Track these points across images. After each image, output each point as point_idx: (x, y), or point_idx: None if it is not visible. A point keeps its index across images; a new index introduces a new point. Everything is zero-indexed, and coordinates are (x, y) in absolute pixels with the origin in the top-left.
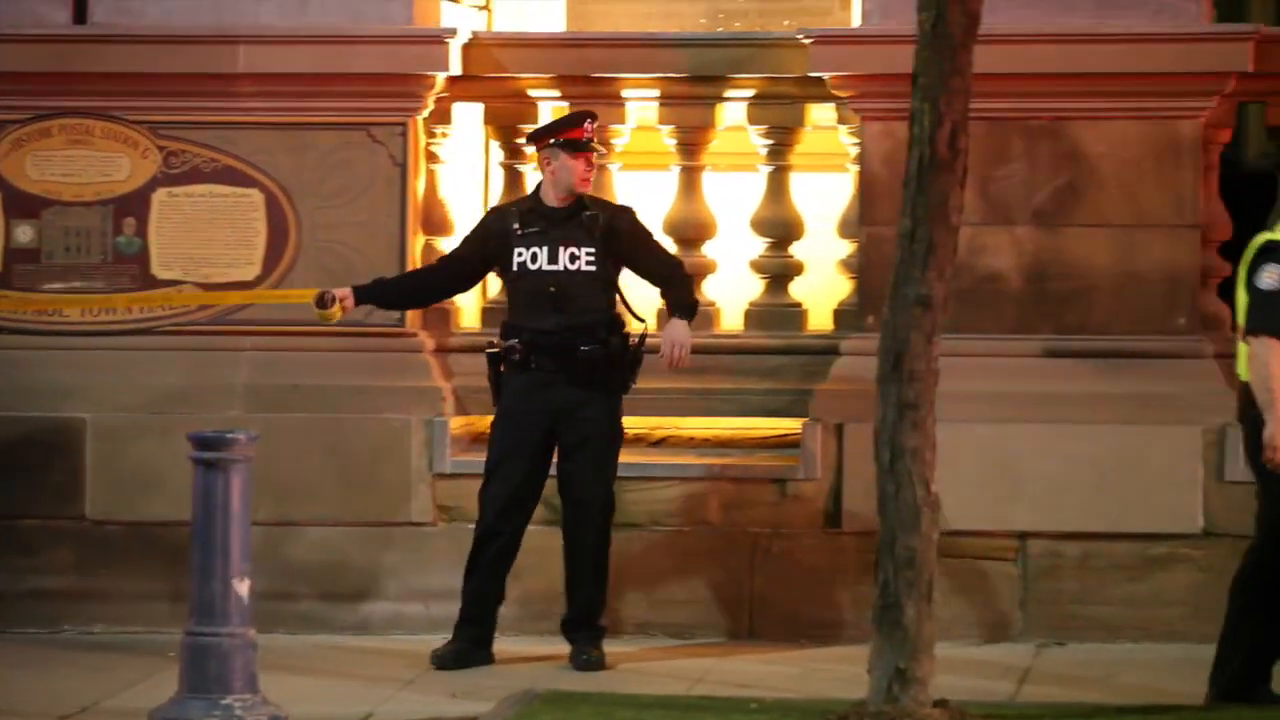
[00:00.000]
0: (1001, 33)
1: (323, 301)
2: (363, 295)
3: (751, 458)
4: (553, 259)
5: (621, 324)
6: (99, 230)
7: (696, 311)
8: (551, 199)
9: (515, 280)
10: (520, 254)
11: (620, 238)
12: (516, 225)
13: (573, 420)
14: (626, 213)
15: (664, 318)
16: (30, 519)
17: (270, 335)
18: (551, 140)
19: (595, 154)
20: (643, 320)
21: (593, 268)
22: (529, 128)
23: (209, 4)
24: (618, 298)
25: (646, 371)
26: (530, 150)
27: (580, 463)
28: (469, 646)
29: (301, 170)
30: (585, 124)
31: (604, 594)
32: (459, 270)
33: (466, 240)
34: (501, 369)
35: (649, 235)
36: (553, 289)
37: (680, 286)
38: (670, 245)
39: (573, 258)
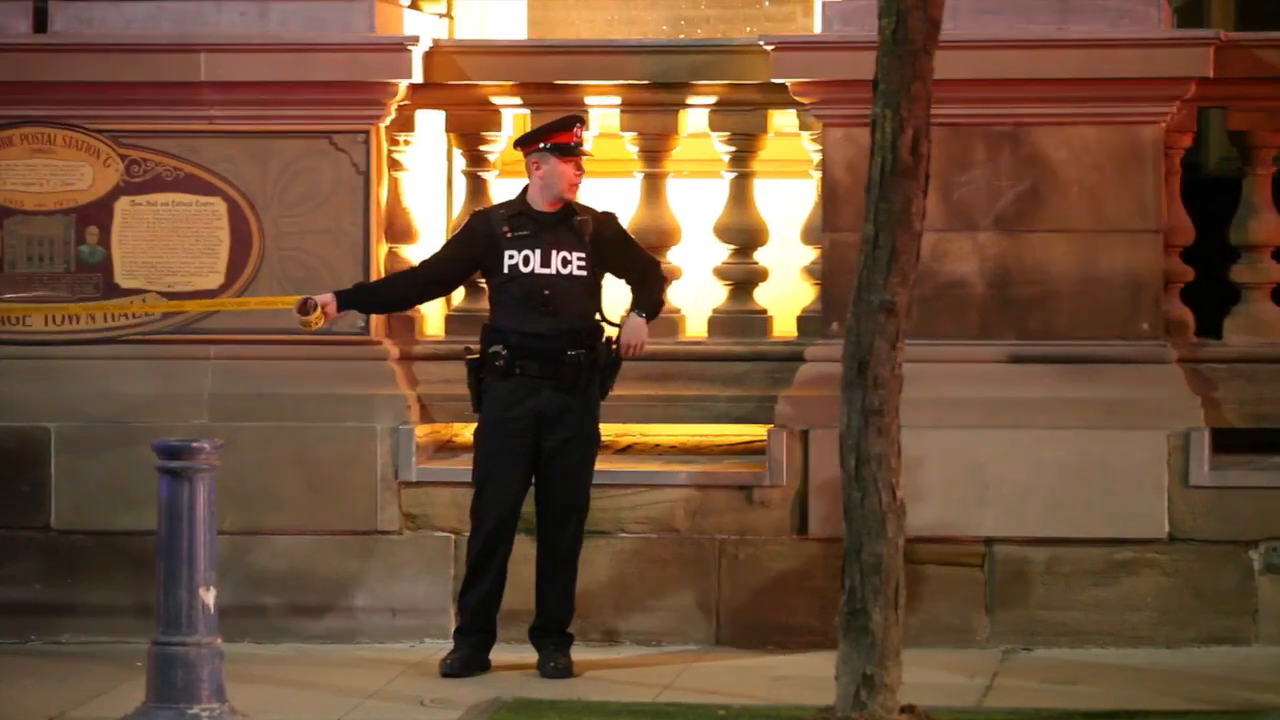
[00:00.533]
0: (963, 39)
1: (304, 308)
2: (345, 300)
3: (718, 465)
4: (545, 262)
5: (602, 330)
6: (62, 239)
7: (660, 311)
8: (540, 203)
9: (505, 283)
10: (511, 256)
11: (607, 243)
12: (505, 228)
13: (556, 426)
14: (611, 218)
15: (624, 314)
16: None
17: (234, 344)
18: (541, 145)
19: (584, 158)
20: (617, 325)
21: (584, 272)
22: (491, 135)
23: (170, 12)
24: (599, 302)
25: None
26: (492, 157)
27: (561, 469)
28: (474, 653)
29: (264, 178)
30: (575, 128)
31: (572, 601)
32: (442, 273)
33: (450, 243)
34: (481, 376)
35: (631, 238)
36: (546, 291)
37: (653, 285)
38: None
39: (564, 261)
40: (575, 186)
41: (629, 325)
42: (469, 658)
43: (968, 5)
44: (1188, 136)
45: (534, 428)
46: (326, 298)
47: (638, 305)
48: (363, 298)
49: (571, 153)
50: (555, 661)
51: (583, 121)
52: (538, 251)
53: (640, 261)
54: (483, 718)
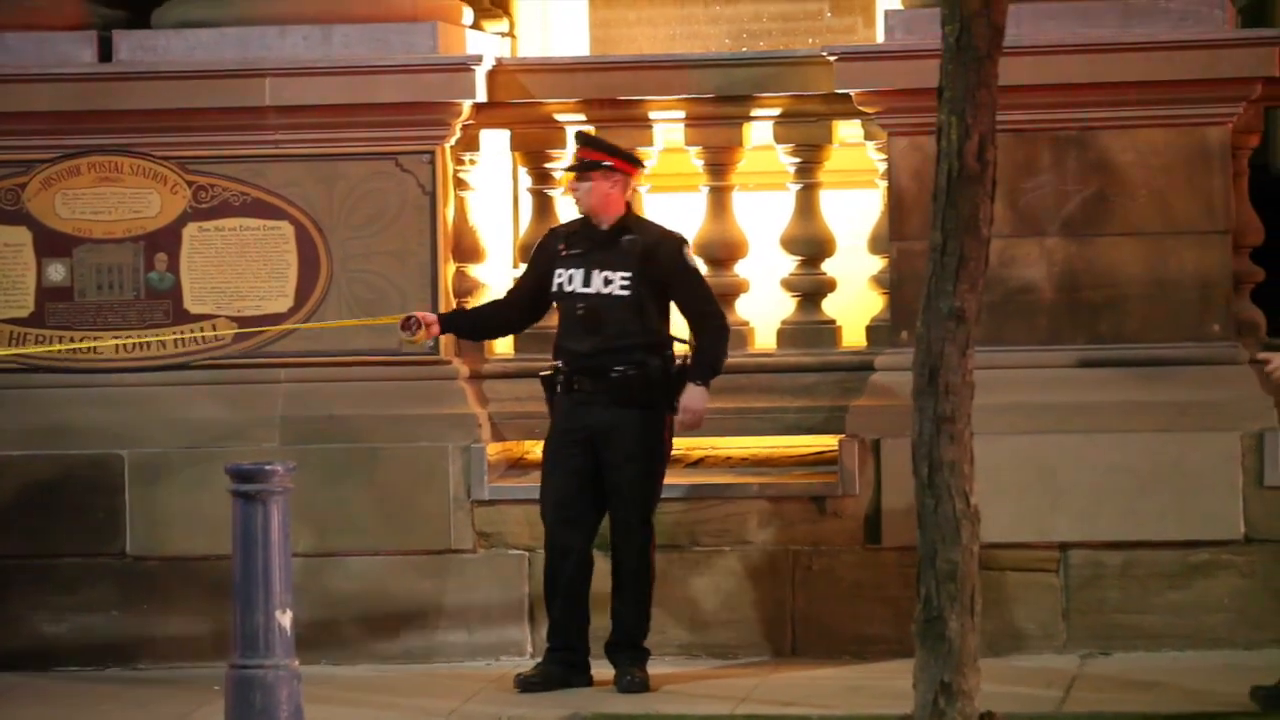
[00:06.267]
0: (1026, 44)
1: (408, 325)
2: (445, 323)
3: (789, 476)
4: (586, 282)
5: (663, 345)
6: (131, 266)
7: (718, 370)
8: (598, 221)
9: (557, 302)
10: (560, 275)
11: (658, 265)
12: (562, 246)
13: (611, 439)
14: (670, 242)
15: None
16: (71, 557)
17: (305, 366)
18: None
19: (574, 174)
20: (686, 342)
21: (626, 292)
22: (556, 153)
23: (233, 38)
24: (655, 319)
25: None
26: (558, 174)
27: (617, 481)
28: (560, 670)
29: (331, 201)
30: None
31: (645, 615)
32: (523, 298)
33: (527, 266)
34: (550, 393)
35: (688, 272)
36: (580, 311)
37: (704, 342)
38: (701, 266)
39: (606, 281)
40: (578, 201)
41: (685, 396)
42: (546, 673)
43: (1030, 11)
44: (1255, 136)
45: (589, 444)
46: (430, 317)
47: (692, 371)
48: (461, 324)
49: (571, 169)
50: (631, 676)
51: (577, 137)
52: (582, 271)
53: (695, 304)
54: None
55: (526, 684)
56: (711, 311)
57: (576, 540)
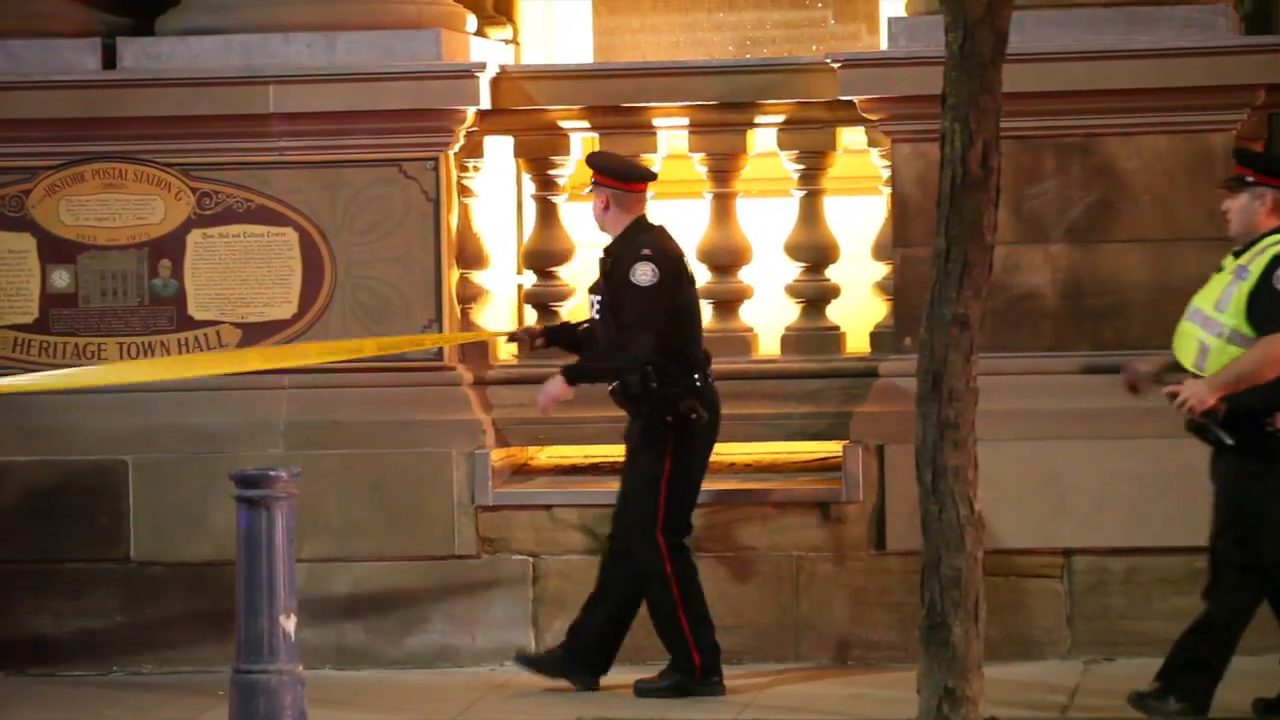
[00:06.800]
0: (1030, 51)
1: (517, 339)
2: (551, 336)
3: (793, 481)
4: (591, 305)
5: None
6: (135, 273)
7: (589, 378)
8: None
9: None
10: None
11: (614, 283)
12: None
13: (627, 448)
14: (628, 260)
15: None
16: (75, 562)
17: (309, 372)
18: None
19: (590, 192)
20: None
21: (597, 314)
22: (560, 159)
23: (237, 45)
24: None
25: None
26: (561, 181)
27: (624, 492)
28: (563, 655)
29: (334, 207)
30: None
31: (679, 635)
32: None
33: None
34: None
35: (629, 286)
36: (574, 335)
37: (602, 345)
38: (705, 273)
39: (591, 304)
40: (599, 218)
41: (546, 382)
42: (549, 655)
43: (1034, 18)
44: (1259, 143)
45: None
46: (537, 329)
47: (571, 365)
48: (563, 336)
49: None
50: (641, 682)
51: (591, 154)
52: (592, 294)
53: (621, 316)
54: None
55: (523, 656)
56: (630, 331)
57: (614, 543)
